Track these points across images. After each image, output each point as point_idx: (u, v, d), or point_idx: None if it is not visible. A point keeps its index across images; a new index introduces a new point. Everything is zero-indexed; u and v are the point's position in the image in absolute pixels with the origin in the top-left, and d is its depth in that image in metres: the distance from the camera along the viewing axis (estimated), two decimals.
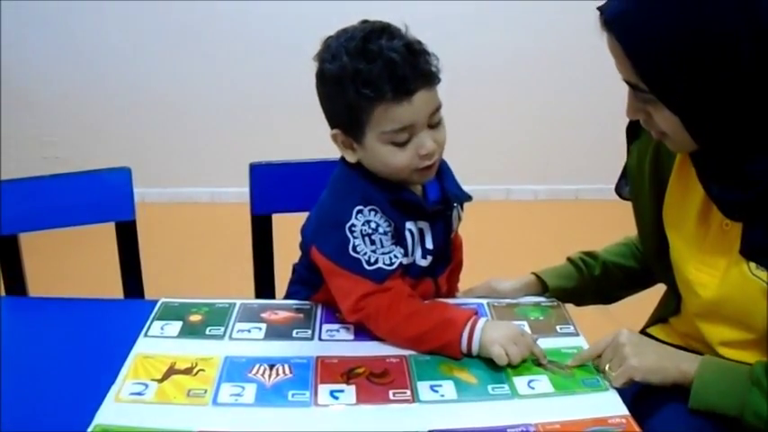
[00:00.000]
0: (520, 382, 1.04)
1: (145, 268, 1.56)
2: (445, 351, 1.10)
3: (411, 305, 1.13)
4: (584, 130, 3.66)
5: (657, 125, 0.97)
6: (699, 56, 0.87)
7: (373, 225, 1.12)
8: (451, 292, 1.41)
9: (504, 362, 1.06)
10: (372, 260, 1.11)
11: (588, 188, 3.71)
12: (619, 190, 1.23)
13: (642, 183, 1.15)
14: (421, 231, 1.17)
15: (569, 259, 1.35)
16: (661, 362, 1.03)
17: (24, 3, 3.42)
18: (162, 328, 1.17)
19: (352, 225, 1.11)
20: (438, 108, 1.10)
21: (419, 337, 1.10)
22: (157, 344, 1.12)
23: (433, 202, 1.20)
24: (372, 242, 1.12)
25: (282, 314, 1.22)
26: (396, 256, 1.13)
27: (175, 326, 1.17)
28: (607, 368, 1.05)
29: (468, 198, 1.25)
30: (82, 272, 2.91)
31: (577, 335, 1.17)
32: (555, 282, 1.31)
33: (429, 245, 1.18)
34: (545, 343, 1.12)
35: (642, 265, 1.31)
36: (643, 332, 1.26)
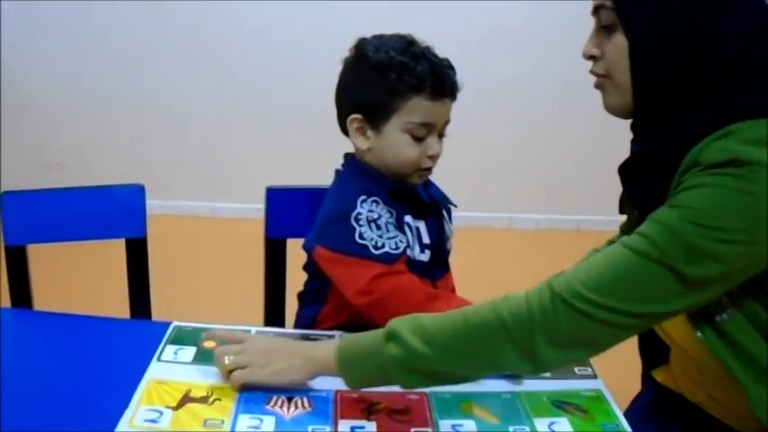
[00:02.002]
0: (540, 423, 1.02)
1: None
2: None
3: (431, 290, 1.19)
4: (587, 160, 3.64)
5: (605, 64, 0.99)
6: None
7: (375, 215, 1.18)
8: None
9: None
10: (379, 245, 1.16)
11: (590, 219, 3.70)
12: (622, 207, 1.22)
13: None
14: (417, 228, 1.24)
15: None
16: (291, 360, 1.03)
17: (28, 6, 3.41)
18: (175, 353, 1.14)
19: (358, 214, 1.17)
20: (448, 120, 1.23)
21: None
22: (171, 369, 1.09)
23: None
24: (378, 227, 1.17)
25: None
26: (401, 241, 1.19)
27: (189, 351, 1.14)
28: (226, 360, 1.04)
29: (453, 204, 1.35)
30: (88, 286, 2.86)
31: (595, 377, 1.15)
32: None
33: (426, 240, 1.24)
34: (563, 385, 1.11)
35: None
36: (646, 374, 1.26)
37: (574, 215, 3.75)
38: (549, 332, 0.91)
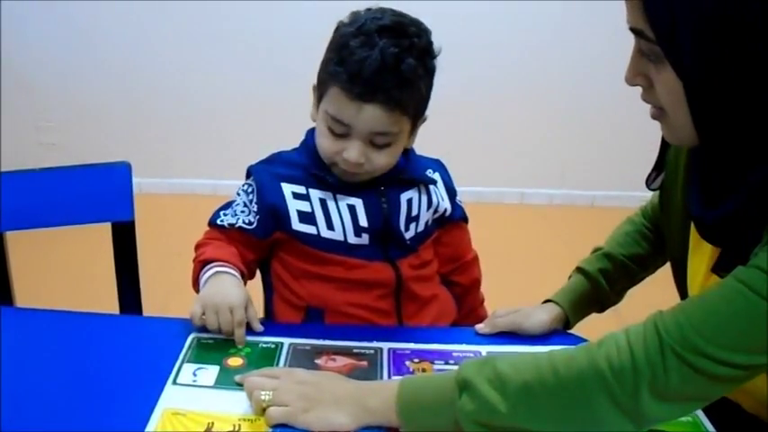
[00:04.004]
0: None
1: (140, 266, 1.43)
2: (193, 282, 1.14)
3: (205, 240, 1.18)
4: (601, 136, 3.57)
5: (656, 95, 0.84)
6: (719, 12, 0.74)
7: (250, 190, 1.17)
8: (474, 311, 1.34)
9: (194, 322, 1.05)
10: (221, 212, 1.19)
11: (605, 195, 3.60)
12: (648, 182, 1.09)
13: (676, 175, 1.03)
14: (353, 208, 1.14)
15: (587, 274, 1.21)
16: (338, 407, 0.89)
17: None
18: (194, 374, 0.97)
19: (241, 185, 1.20)
20: (386, 134, 1.07)
21: (193, 262, 1.15)
22: (190, 396, 0.93)
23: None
24: (229, 205, 1.19)
25: (342, 360, 1.03)
26: (226, 219, 1.17)
27: (211, 371, 0.98)
28: (262, 396, 0.89)
29: (430, 181, 1.21)
30: (72, 276, 2.74)
31: None
32: (578, 314, 1.20)
33: (363, 222, 1.14)
34: None
35: (653, 245, 1.21)
36: None
37: (588, 191, 3.65)
38: (658, 388, 0.77)
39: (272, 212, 1.15)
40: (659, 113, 0.86)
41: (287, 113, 3.41)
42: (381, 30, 1.04)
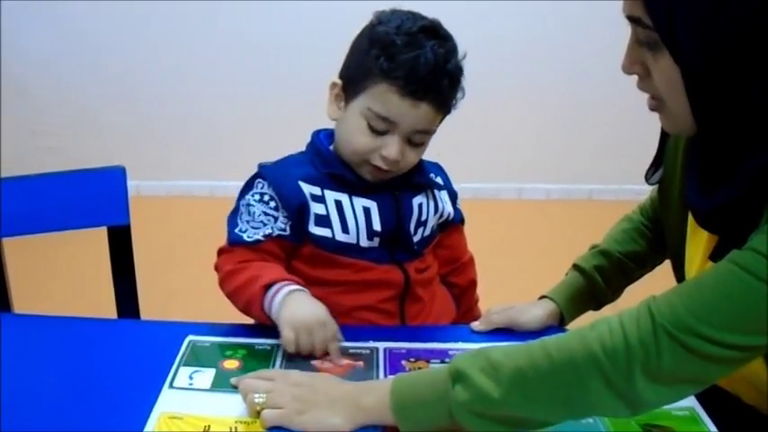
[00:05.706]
0: None
1: (137, 269, 1.43)
2: (252, 310, 1.07)
3: (239, 265, 1.10)
4: (598, 129, 3.56)
5: (654, 84, 0.83)
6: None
7: (267, 197, 1.12)
8: (471, 311, 1.33)
9: (291, 349, 1.01)
10: (235, 230, 1.13)
11: (602, 188, 3.60)
12: (647, 177, 1.09)
13: (675, 169, 1.03)
14: (368, 211, 1.13)
15: (583, 271, 1.22)
16: (332, 408, 0.88)
17: None
18: (191, 377, 0.97)
19: (248, 196, 1.14)
20: (426, 132, 1.10)
21: (235, 292, 1.09)
22: (186, 399, 0.93)
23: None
24: (249, 213, 1.13)
25: (338, 361, 1.03)
26: (256, 234, 1.11)
27: (207, 374, 0.98)
28: (256, 398, 0.89)
29: (437, 186, 1.21)
30: (69, 280, 2.74)
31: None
32: (574, 311, 1.19)
33: (376, 226, 1.13)
34: None
35: (650, 243, 1.21)
36: None
37: (585, 184, 3.65)
38: (651, 369, 0.77)
39: (299, 213, 1.12)
40: (656, 104, 0.86)
41: (284, 115, 3.44)
42: (423, 30, 1.05)
